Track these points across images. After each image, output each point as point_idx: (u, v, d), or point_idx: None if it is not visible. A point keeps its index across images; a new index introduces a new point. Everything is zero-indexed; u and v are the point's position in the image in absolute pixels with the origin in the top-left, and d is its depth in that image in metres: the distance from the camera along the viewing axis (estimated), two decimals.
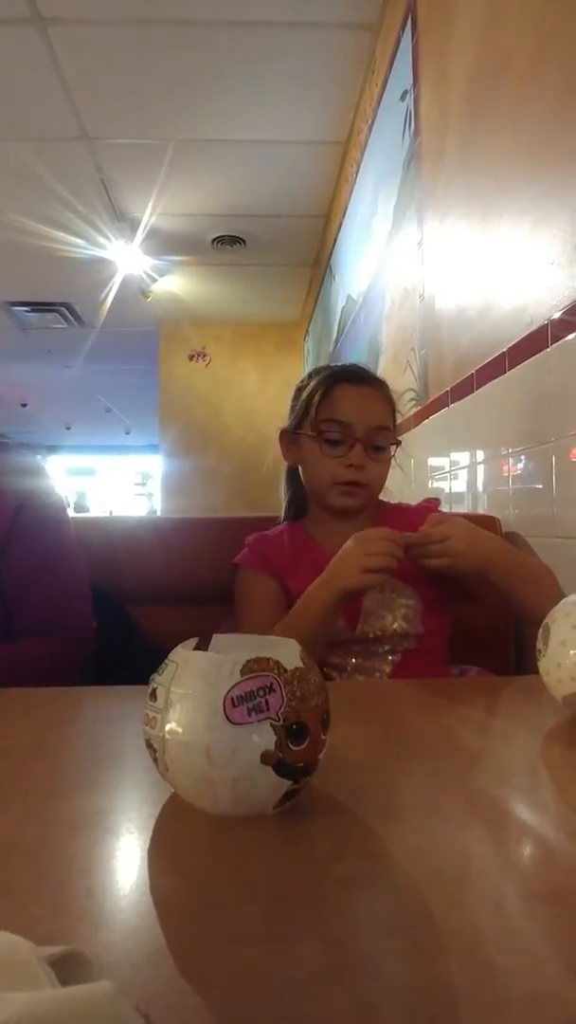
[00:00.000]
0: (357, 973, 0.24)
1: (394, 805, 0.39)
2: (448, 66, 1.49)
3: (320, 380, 0.97)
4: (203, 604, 1.06)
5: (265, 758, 0.35)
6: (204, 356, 4.95)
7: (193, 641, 0.41)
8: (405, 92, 1.86)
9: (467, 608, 0.98)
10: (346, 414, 0.93)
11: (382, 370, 2.09)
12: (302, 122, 2.62)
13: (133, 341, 5.13)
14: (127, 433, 9.00)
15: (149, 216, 3.31)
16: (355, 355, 2.64)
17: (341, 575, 0.80)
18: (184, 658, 0.37)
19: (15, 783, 0.42)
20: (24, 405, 7.28)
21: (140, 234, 3.47)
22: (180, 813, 0.37)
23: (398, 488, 1.10)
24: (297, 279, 4.15)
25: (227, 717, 0.34)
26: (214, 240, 3.60)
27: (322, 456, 0.94)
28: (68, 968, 0.17)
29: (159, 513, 5.41)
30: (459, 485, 1.49)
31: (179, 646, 0.39)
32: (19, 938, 0.17)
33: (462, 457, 1.46)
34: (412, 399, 1.80)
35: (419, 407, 1.73)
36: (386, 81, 2.08)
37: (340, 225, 2.98)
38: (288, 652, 0.38)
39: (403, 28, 1.87)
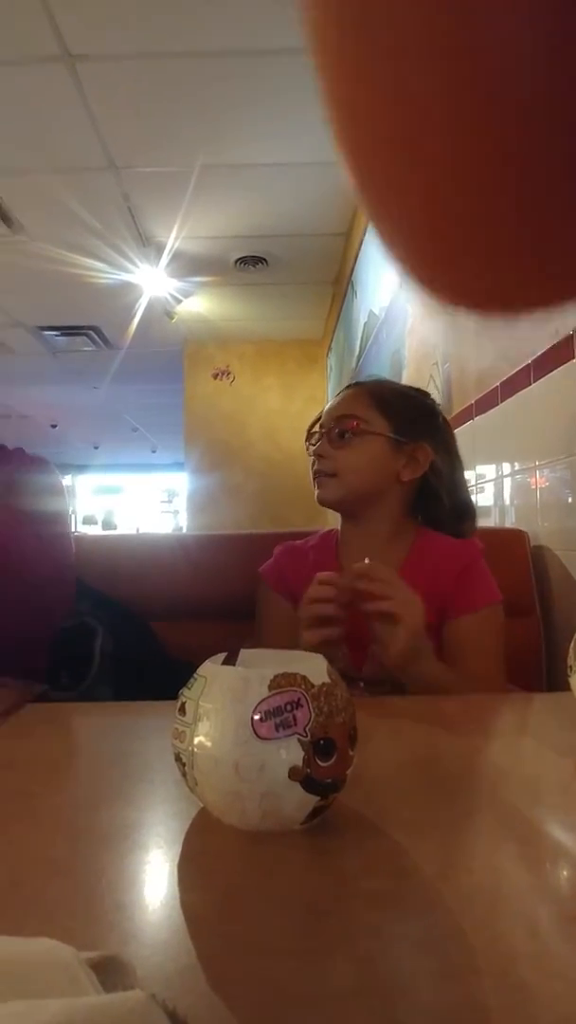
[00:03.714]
0: (388, 991, 0.24)
1: (423, 822, 0.39)
2: None
3: None
4: (229, 619, 1.07)
5: (293, 774, 0.35)
6: (228, 374, 5.01)
7: (221, 656, 0.41)
8: None
9: None
10: (322, 416, 0.97)
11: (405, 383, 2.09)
12: (320, 143, 2.66)
13: (159, 361, 5.22)
14: (153, 451, 9.12)
15: (174, 240, 3.38)
16: (378, 369, 2.65)
17: None
18: (213, 673, 0.38)
19: (46, 796, 0.43)
20: (54, 426, 7.44)
21: (165, 258, 3.55)
22: (209, 827, 0.37)
23: None
24: (319, 296, 4.19)
25: (255, 732, 0.34)
26: (237, 261, 3.66)
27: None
28: (108, 973, 0.18)
29: (185, 530, 5.46)
30: (485, 499, 1.47)
31: (208, 660, 0.40)
32: (59, 943, 0.18)
33: (488, 470, 1.45)
34: None
35: None
36: None
37: (362, 242, 3.01)
38: (315, 667, 0.38)
39: None
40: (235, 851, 0.35)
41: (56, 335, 4.58)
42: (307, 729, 0.35)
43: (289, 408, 4.92)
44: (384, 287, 2.54)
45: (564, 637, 0.85)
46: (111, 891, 0.31)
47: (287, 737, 0.35)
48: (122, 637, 1.00)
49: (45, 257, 3.47)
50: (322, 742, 0.36)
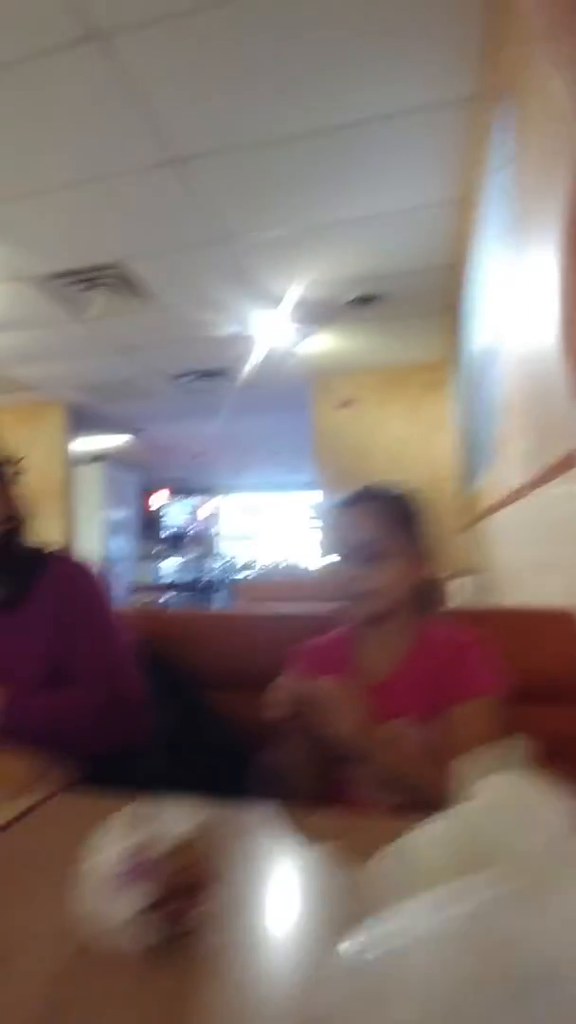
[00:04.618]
0: None
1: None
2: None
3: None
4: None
5: (144, 911, 0.49)
6: (353, 404, 5.15)
7: (130, 815, 0.56)
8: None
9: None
10: (337, 539, 1.06)
11: (505, 424, 2.05)
12: (413, 192, 2.75)
13: (287, 394, 5.51)
14: (293, 473, 9.53)
15: (291, 292, 3.65)
16: (486, 406, 2.62)
17: None
18: (106, 834, 0.54)
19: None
20: (199, 455, 8.16)
21: (284, 307, 3.83)
22: None
23: None
24: (435, 325, 4.20)
25: (116, 879, 0.50)
26: (350, 302, 3.81)
27: (335, 573, 1.06)
28: None
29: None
30: (535, 578, 1.45)
31: (114, 818, 0.55)
32: None
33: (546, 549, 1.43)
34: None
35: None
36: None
37: (465, 274, 2.99)
38: (173, 831, 0.52)
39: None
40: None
41: (192, 379, 5.09)
42: (154, 881, 0.50)
43: (413, 434, 4.93)
44: (486, 325, 2.52)
45: None
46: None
47: (137, 884, 0.49)
48: (173, 708, 1.18)
49: (179, 319, 3.94)
50: (168, 891, 0.50)
